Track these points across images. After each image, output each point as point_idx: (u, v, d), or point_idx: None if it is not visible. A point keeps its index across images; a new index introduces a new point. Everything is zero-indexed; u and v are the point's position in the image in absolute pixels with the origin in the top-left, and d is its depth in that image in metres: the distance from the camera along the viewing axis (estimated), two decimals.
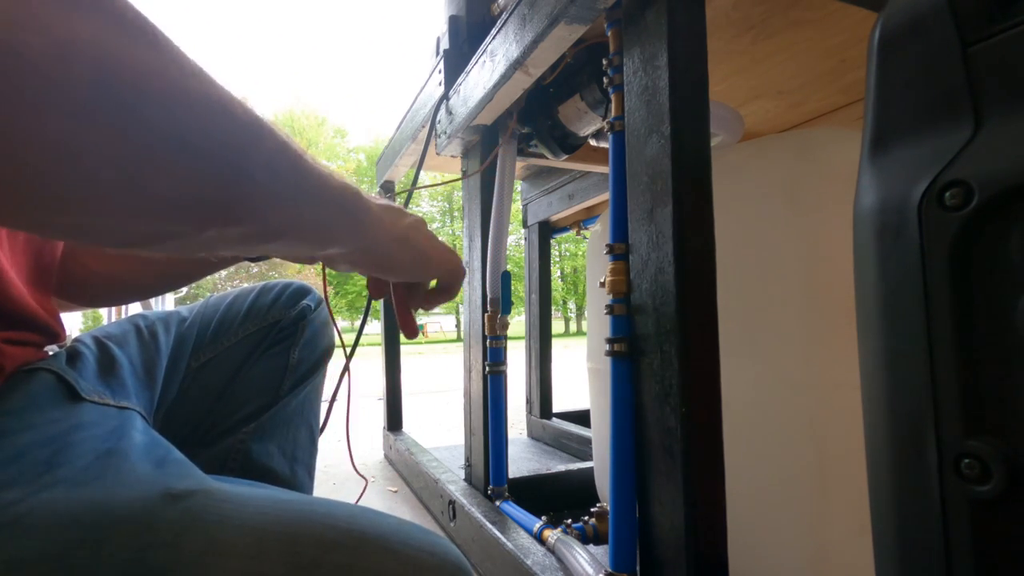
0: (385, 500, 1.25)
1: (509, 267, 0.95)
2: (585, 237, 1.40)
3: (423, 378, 4.59)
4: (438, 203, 26.53)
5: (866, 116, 0.29)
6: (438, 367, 5.93)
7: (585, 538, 0.72)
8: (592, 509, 0.75)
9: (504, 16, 0.75)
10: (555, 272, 25.67)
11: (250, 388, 0.61)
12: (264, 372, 0.61)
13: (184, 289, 0.66)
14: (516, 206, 1.52)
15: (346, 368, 0.63)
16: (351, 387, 0.64)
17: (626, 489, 0.55)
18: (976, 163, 0.24)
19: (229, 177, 0.25)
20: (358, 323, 0.77)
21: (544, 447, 1.62)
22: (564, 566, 0.65)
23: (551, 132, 0.86)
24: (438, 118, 1.03)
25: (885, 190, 0.27)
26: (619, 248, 0.57)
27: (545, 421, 1.69)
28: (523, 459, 1.46)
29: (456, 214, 26.05)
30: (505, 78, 0.76)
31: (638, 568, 0.55)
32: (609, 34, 0.60)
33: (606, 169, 0.61)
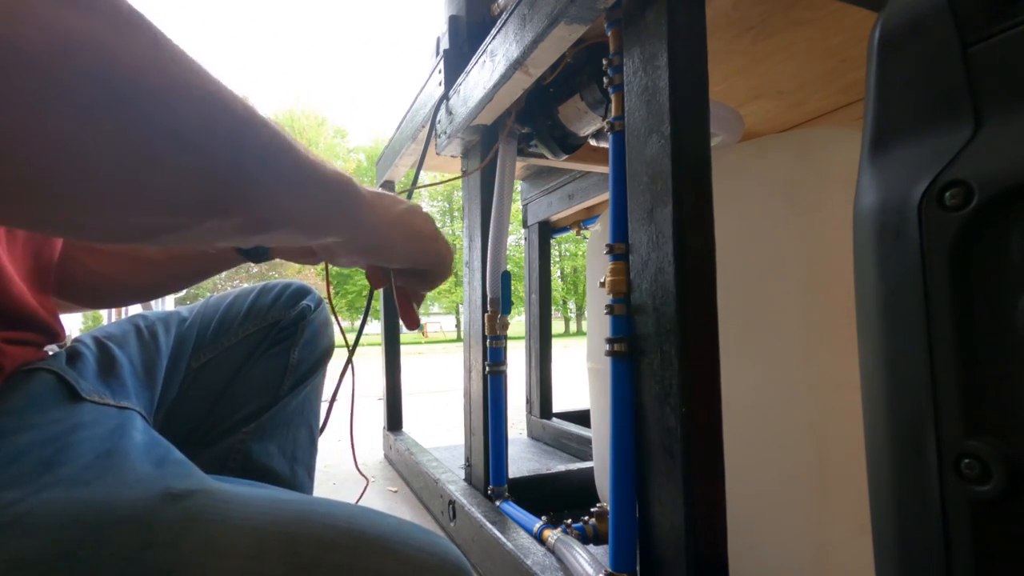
0: (385, 500, 1.25)
1: (509, 267, 0.95)
2: (585, 237, 1.40)
3: (423, 378, 4.59)
4: (438, 203, 26.54)
5: (866, 116, 0.29)
6: (438, 367, 5.93)
7: (585, 538, 0.72)
8: (592, 509, 0.75)
9: (504, 16, 0.75)
10: (555, 272, 25.67)
11: (250, 388, 0.61)
12: (264, 372, 0.61)
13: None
14: (516, 206, 1.52)
15: (348, 362, 0.62)
16: (355, 385, 0.63)
17: (626, 489, 0.55)
18: (976, 163, 0.24)
19: (226, 170, 0.26)
20: (358, 323, 0.77)
21: (544, 447, 1.62)
22: (564, 566, 0.65)
23: (551, 132, 0.86)
24: (438, 118, 1.03)
25: (885, 190, 0.27)
26: (619, 248, 0.57)
27: (545, 421, 1.69)
28: (523, 459, 1.46)
29: (456, 214, 26.04)
30: (505, 78, 0.76)
31: (638, 568, 0.55)
32: (609, 34, 0.60)
33: (606, 169, 0.61)
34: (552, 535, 0.70)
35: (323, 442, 0.68)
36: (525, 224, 1.78)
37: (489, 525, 0.80)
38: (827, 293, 0.58)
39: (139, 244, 0.27)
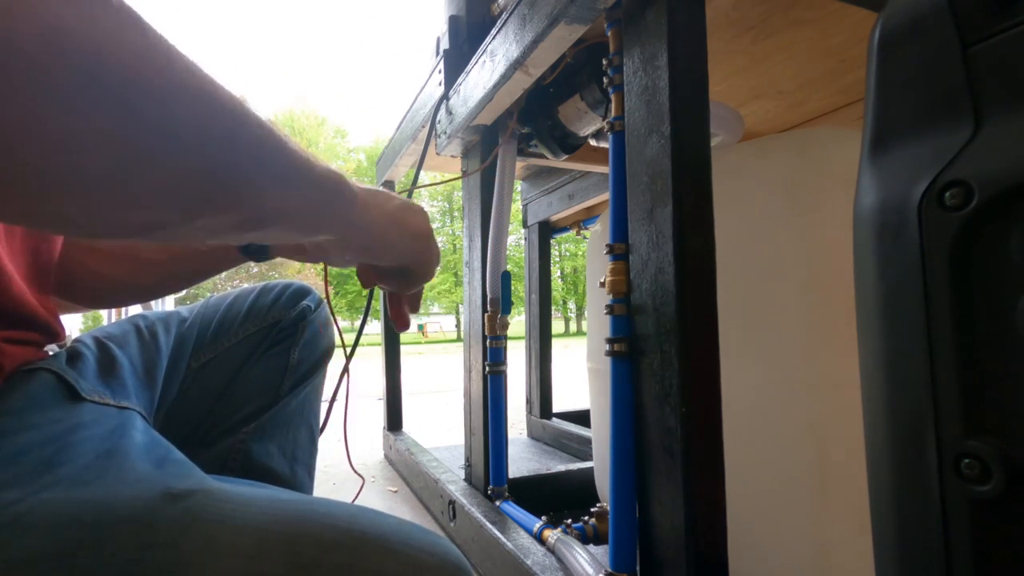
0: (385, 500, 1.25)
1: (509, 267, 0.95)
2: (585, 237, 1.40)
3: (423, 378, 4.59)
4: (438, 203, 26.55)
5: (866, 116, 0.29)
6: (438, 367, 5.93)
7: (585, 538, 0.72)
8: (592, 509, 0.75)
9: (504, 16, 0.75)
10: (555, 272, 25.67)
11: (250, 388, 0.61)
12: (264, 372, 0.61)
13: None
14: (516, 206, 1.52)
15: (345, 369, 0.63)
16: (349, 388, 0.63)
17: (626, 489, 0.55)
18: (976, 163, 0.24)
19: (219, 168, 0.25)
20: (358, 323, 0.76)
21: (544, 447, 1.62)
22: (564, 566, 0.65)
23: (551, 132, 0.86)
24: (438, 118, 1.03)
25: (885, 190, 0.27)
26: (619, 248, 0.57)
27: (545, 421, 1.69)
28: (523, 459, 1.46)
29: (456, 214, 26.05)
30: (505, 78, 0.76)
31: (638, 568, 0.55)
32: (609, 34, 0.60)
33: (606, 169, 0.61)
34: (552, 535, 0.70)
35: (323, 442, 0.68)
36: (525, 224, 1.78)
37: (489, 525, 0.80)
38: (827, 293, 0.58)
39: (131, 240, 0.27)
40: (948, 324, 0.25)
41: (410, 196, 0.93)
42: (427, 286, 0.52)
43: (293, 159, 0.30)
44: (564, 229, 1.72)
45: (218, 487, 0.35)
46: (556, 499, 1.09)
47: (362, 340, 0.63)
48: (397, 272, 0.46)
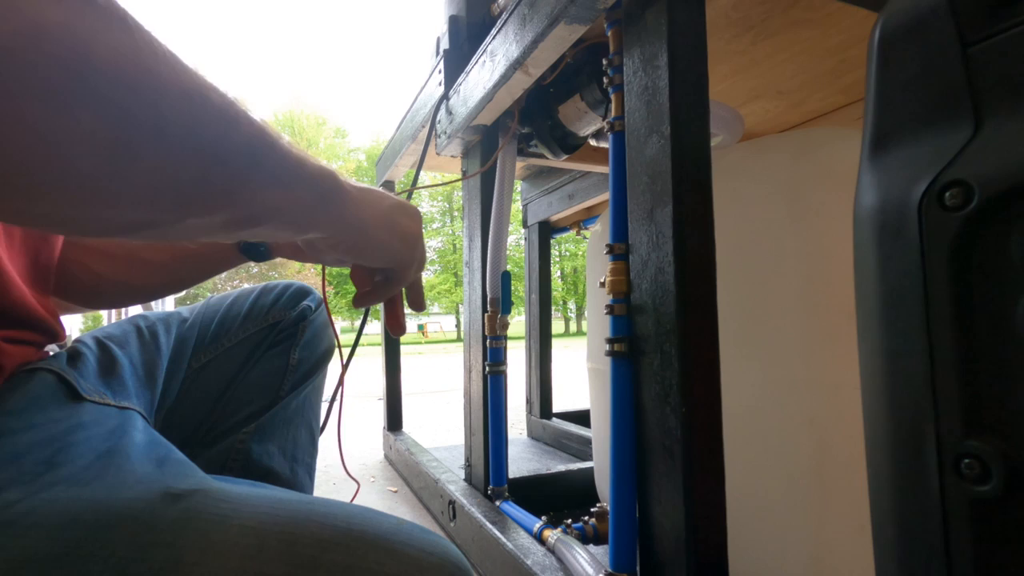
0: (385, 500, 1.25)
1: (509, 267, 0.95)
2: (585, 237, 1.40)
3: (423, 378, 4.59)
4: (438, 203, 26.55)
5: (866, 116, 0.29)
6: (438, 367, 5.93)
7: (585, 538, 0.72)
8: (592, 509, 0.75)
9: (504, 16, 0.75)
10: (555, 272, 25.68)
11: (250, 389, 0.61)
12: (264, 373, 0.61)
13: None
14: (516, 206, 1.52)
15: (340, 381, 0.62)
16: (342, 398, 0.63)
17: (626, 489, 0.55)
18: (976, 163, 0.24)
19: (206, 164, 0.25)
20: (358, 323, 0.76)
21: (544, 447, 1.62)
22: (564, 566, 0.65)
23: (551, 132, 0.86)
24: (438, 118, 1.03)
25: (885, 190, 0.27)
26: (619, 248, 0.57)
27: (545, 421, 1.69)
28: (523, 459, 1.46)
29: (456, 214, 26.05)
30: (505, 78, 0.76)
31: (638, 568, 0.55)
32: (609, 34, 0.60)
33: (606, 169, 0.61)
34: (552, 535, 0.70)
35: (323, 442, 0.68)
36: (525, 224, 1.78)
37: (489, 525, 0.80)
38: (827, 293, 0.58)
39: (121, 238, 0.26)
40: (948, 324, 0.25)
41: (410, 196, 0.93)
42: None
43: (285, 157, 0.30)
44: (564, 229, 1.72)
45: (218, 487, 0.35)
46: (556, 499, 1.09)
47: (362, 340, 0.63)
48: (381, 273, 0.46)
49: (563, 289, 26.76)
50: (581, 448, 1.47)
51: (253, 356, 0.62)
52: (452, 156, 1.09)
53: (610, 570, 0.56)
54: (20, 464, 0.32)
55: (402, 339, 1.70)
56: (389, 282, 0.46)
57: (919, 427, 0.26)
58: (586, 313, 1.30)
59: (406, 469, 1.38)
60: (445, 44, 1.02)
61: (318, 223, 0.35)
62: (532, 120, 0.88)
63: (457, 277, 24.29)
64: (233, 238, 0.31)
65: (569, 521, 0.74)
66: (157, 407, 0.54)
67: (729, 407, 0.51)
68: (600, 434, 0.89)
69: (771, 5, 0.67)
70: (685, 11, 0.50)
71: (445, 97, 1.00)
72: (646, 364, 0.53)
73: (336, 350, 0.67)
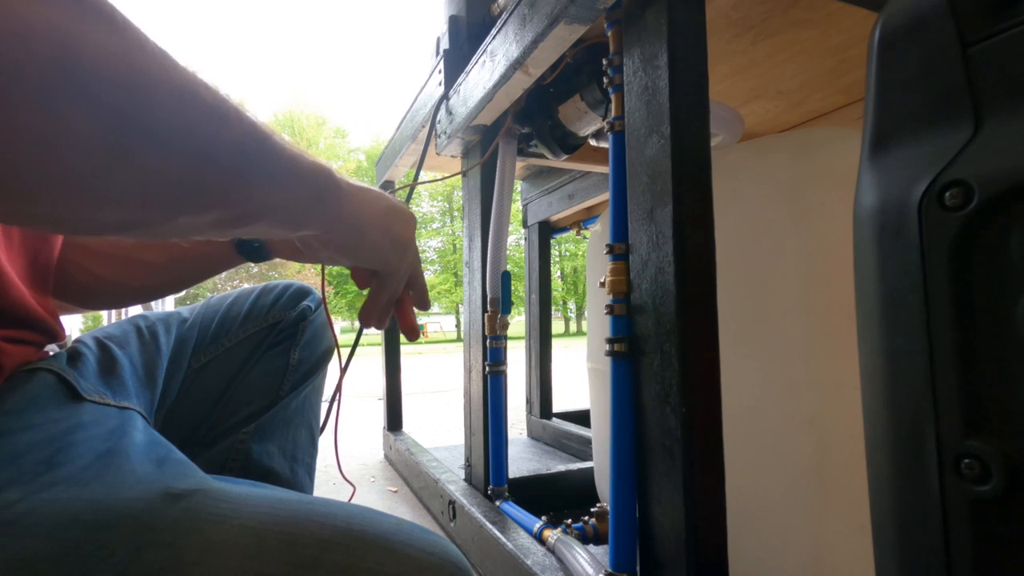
0: (385, 500, 1.25)
1: (509, 267, 0.95)
2: (585, 237, 1.40)
3: (423, 378, 4.59)
4: (438, 203, 26.54)
5: (866, 116, 0.29)
6: (438, 367, 5.93)
7: (585, 538, 0.72)
8: (592, 509, 0.75)
9: (504, 16, 0.75)
10: (555, 272, 25.67)
11: (250, 389, 0.61)
12: (264, 373, 0.61)
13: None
14: (516, 206, 1.52)
15: (339, 387, 0.62)
16: (340, 401, 0.63)
17: (626, 489, 0.55)
18: (976, 163, 0.24)
19: (196, 164, 0.25)
20: (358, 323, 0.76)
21: (544, 447, 1.62)
22: (564, 566, 0.65)
23: (551, 132, 0.86)
24: (438, 118, 1.03)
25: (885, 190, 0.27)
26: (619, 248, 0.57)
27: (545, 421, 1.69)
28: (523, 459, 1.46)
29: (456, 214, 26.04)
30: (505, 78, 0.76)
31: (638, 568, 0.55)
32: (609, 34, 0.60)
33: (606, 169, 0.61)
34: (552, 535, 0.70)
35: (323, 442, 0.68)
36: (525, 224, 1.78)
37: (489, 525, 0.80)
38: (827, 293, 0.58)
39: (112, 236, 0.26)
40: (948, 324, 0.25)
41: (410, 196, 0.93)
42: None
43: (279, 155, 0.30)
44: (564, 229, 1.72)
45: (218, 487, 0.35)
46: (556, 499, 1.09)
47: (362, 340, 0.63)
48: (370, 273, 0.46)
49: (563, 289, 26.76)
50: (581, 448, 1.47)
51: (253, 356, 0.62)
52: (452, 156, 1.09)
53: (610, 570, 0.56)
54: (20, 464, 0.32)
55: (402, 339, 1.70)
56: (379, 286, 0.46)
57: (919, 427, 0.26)
58: (586, 313, 1.30)
59: (406, 469, 1.38)
60: (445, 44, 1.02)
61: (313, 220, 0.35)
62: (532, 120, 0.88)
63: (457, 277, 24.28)
64: (227, 236, 0.31)
65: (569, 521, 0.74)
66: (157, 407, 0.54)
67: (729, 407, 0.51)
68: (600, 434, 0.89)
69: (771, 5, 0.67)
70: (685, 11, 0.50)
71: (445, 97, 1.00)
72: (646, 364, 0.53)
73: (343, 348, 0.67)
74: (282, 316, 0.63)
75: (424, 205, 25.81)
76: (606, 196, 0.66)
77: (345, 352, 0.63)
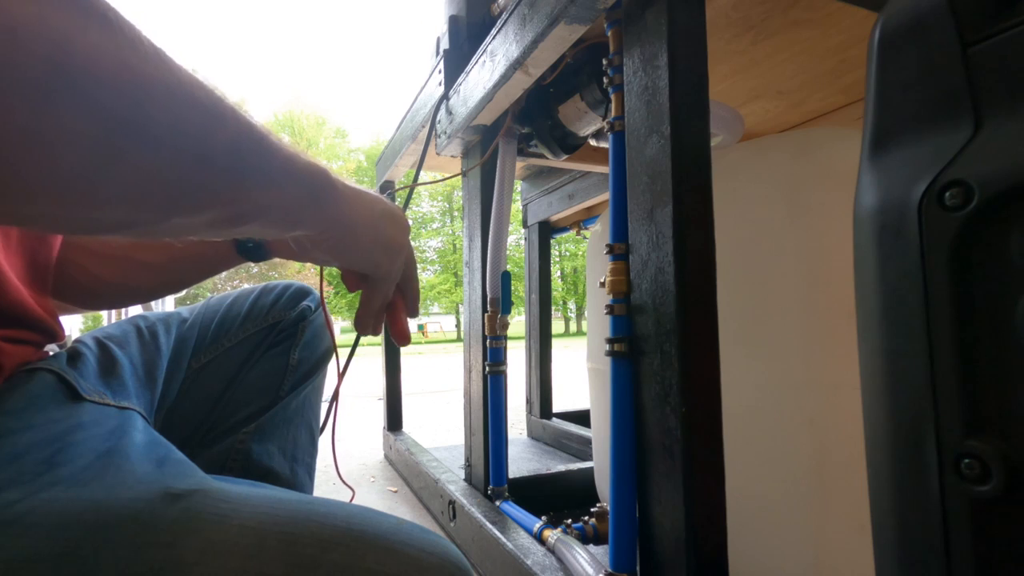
0: (385, 500, 1.25)
1: (509, 267, 0.95)
2: (585, 237, 1.40)
3: (423, 378, 4.59)
4: (438, 203, 26.53)
5: (866, 116, 0.29)
6: (438, 367, 5.93)
7: (585, 538, 0.72)
8: (592, 509, 0.75)
9: (504, 16, 0.75)
10: (555, 272, 25.67)
11: (250, 389, 0.61)
12: (264, 373, 0.61)
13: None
14: (516, 206, 1.52)
15: (337, 391, 0.62)
16: (338, 403, 0.63)
17: (626, 489, 0.55)
18: (976, 163, 0.24)
19: (191, 163, 0.25)
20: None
21: (544, 447, 1.62)
22: (564, 566, 0.65)
23: (551, 132, 0.86)
24: (438, 118, 1.03)
25: (885, 190, 0.27)
26: (619, 248, 0.57)
27: (545, 421, 1.69)
28: (523, 459, 1.46)
29: (456, 214, 26.03)
30: (505, 78, 0.76)
31: (638, 568, 0.55)
32: (609, 34, 0.60)
33: (606, 169, 0.61)
34: (552, 535, 0.70)
35: (323, 442, 0.68)
36: (525, 224, 1.78)
37: (489, 525, 0.80)
38: (827, 293, 0.58)
39: (106, 236, 0.26)
40: (948, 324, 0.25)
41: (410, 195, 0.93)
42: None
43: (274, 155, 0.30)
44: (564, 229, 1.72)
45: (218, 487, 0.35)
46: (556, 499, 1.09)
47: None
48: (360, 276, 0.45)
49: (563, 289, 26.75)
50: (581, 448, 1.47)
51: (253, 356, 0.62)
52: (452, 156, 1.09)
53: (610, 570, 0.56)
54: (20, 464, 0.32)
55: None
56: (370, 290, 0.45)
57: (919, 427, 0.26)
58: (586, 313, 1.30)
59: (406, 469, 1.38)
60: (445, 44, 1.02)
61: (308, 220, 0.35)
62: (532, 120, 0.88)
63: (457, 277, 24.27)
64: (223, 235, 0.31)
65: (569, 521, 0.74)
66: (157, 407, 0.54)
67: (729, 407, 0.51)
68: (600, 434, 0.89)
69: (771, 5, 0.67)
70: (685, 11, 0.50)
71: (445, 97, 1.00)
72: (646, 364, 0.53)
73: (343, 348, 0.67)
74: (282, 316, 0.63)
75: (424, 205, 25.79)
76: (606, 196, 0.66)
77: (344, 352, 0.63)
